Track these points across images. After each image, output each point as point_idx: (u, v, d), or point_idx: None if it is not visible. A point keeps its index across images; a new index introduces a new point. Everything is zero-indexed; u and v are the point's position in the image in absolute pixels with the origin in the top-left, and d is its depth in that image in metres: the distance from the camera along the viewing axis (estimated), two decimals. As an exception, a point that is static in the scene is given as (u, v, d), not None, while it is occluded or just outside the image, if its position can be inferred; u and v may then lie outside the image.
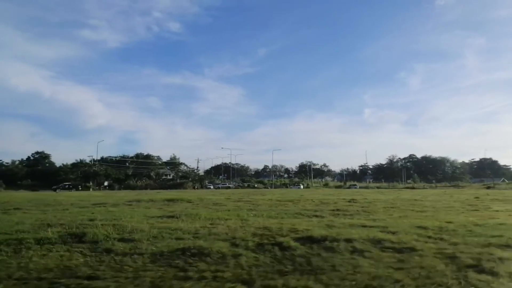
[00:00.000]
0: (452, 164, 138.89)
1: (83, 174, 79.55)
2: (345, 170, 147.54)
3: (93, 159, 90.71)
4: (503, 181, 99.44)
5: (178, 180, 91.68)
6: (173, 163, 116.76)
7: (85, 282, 4.61)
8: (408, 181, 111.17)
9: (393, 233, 8.25)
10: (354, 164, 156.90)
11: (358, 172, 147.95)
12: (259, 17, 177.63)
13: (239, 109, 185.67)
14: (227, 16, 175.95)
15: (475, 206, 18.66)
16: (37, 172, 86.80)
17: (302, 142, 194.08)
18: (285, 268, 5.36)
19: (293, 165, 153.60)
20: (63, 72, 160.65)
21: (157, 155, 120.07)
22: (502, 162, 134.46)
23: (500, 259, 5.82)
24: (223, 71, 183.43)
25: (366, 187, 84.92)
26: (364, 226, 9.53)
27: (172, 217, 12.43)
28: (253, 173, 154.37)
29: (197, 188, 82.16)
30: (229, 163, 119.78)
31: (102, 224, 9.39)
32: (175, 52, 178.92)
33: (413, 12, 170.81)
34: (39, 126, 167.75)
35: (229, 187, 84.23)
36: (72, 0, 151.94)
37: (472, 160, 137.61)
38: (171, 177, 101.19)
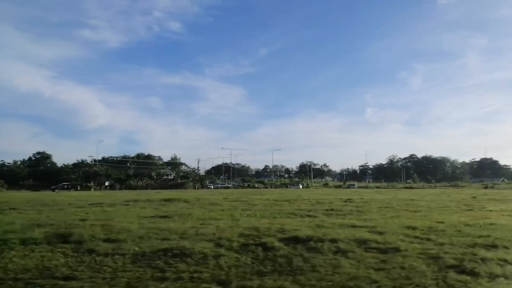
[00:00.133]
0: (452, 164, 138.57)
1: (84, 174, 79.68)
2: (345, 170, 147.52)
3: (94, 160, 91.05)
4: (503, 181, 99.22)
5: (179, 180, 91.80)
6: (174, 163, 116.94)
7: (61, 282, 4.61)
8: (408, 181, 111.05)
9: (381, 233, 8.22)
10: (355, 164, 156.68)
11: (358, 172, 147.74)
12: (259, 17, 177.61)
13: (240, 109, 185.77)
14: (228, 16, 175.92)
15: (470, 206, 18.61)
16: (39, 172, 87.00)
17: (303, 142, 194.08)
18: (264, 268, 5.34)
19: (294, 165, 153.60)
20: (64, 72, 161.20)
21: (158, 155, 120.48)
22: (502, 162, 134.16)
23: (483, 259, 5.79)
24: (223, 71, 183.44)
25: (366, 187, 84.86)
26: (354, 226, 9.50)
27: (165, 217, 12.45)
28: (253, 173, 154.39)
29: (197, 188, 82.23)
30: (230, 163, 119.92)
31: (91, 224, 9.39)
32: (175, 52, 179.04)
33: (415, 12, 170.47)
34: (40, 126, 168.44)
35: (228, 187, 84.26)
36: (72, 0, 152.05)
37: (473, 160, 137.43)
38: (172, 177, 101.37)
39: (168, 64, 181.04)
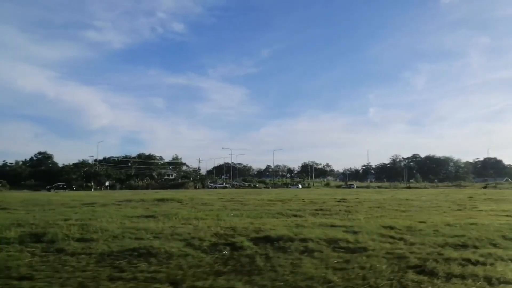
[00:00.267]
0: (456, 163, 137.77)
1: (84, 175, 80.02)
2: (348, 170, 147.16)
3: (96, 160, 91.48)
4: (507, 180, 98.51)
5: (179, 180, 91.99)
6: (175, 163, 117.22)
7: (14, 282, 4.64)
8: (410, 180, 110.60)
9: (355, 233, 8.20)
10: (358, 164, 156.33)
11: (360, 172, 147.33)
12: (262, 17, 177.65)
13: (243, 109, 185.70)
14: (231, 16, 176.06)
15: (462, 205, 18.53)
16: (40, 173, 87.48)
17: (306, 142, 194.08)
18: (224, 268, 5.35)
19: (297, 165, 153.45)
20: (68, 72, 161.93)
21: (161, 155, 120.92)
22: (506, 161, 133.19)
23: (447, 259, 5.76)
24: (226, 71, 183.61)
25: (367, 187, 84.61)
26: (333, 226, 9.49)
27: (151, 217, 12.49)
28: (255, 173, 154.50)
29: (198, 188, 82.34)
30: (232, 163, 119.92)
31: (71, 224, 9.45)
32: (179, 53, 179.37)
33: (418, 12, 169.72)
34: (43, 127, 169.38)
35: (226, 187, 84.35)
36: (77, 1, 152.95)
37: (476, 160, 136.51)
38: (173, 177, 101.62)
39: (171, 65, 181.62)
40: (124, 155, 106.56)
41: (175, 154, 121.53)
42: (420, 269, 5.26)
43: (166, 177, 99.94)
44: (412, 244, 7.03)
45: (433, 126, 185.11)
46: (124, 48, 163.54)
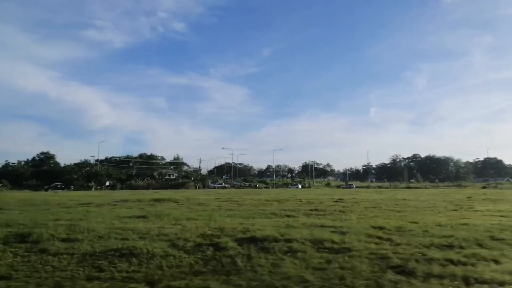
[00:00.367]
0: (456, 163, 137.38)
1: (85, 175, 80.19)
2: (348, 170, 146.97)
3: (97, 160, 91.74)
4: (507, 180, 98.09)
5: (180, 180, 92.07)
6: (176, 163, 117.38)
7: (-9, 282, 4.64)
8: (411, 180, 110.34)
9: (343, 233, 8.18)
10: (358, 164, 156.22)
11: (361, 171, 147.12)
12: (263, 17, 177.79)
13: (244, 109, 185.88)
14: (231, 16, 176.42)
15: (459, 206, 18.45)
16: (42, 173, 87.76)
17: (307, 141, 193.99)
18: (204, 268, 5.34)
19: (297, 164, 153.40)
20: (69, 72, 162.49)
21: (162, 155, 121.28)
22: (507, 161, 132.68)
23: (429, 259, 5.75)
24: (227, 71, 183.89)
25: (367, 187, 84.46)
26: (322, 226, 9.46)
27: (142, 217, 12.48)
28: (256, 173, 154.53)
29: (199, 188, 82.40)
30: (232, 163, 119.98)
31: (59, 224, 9.47)
32: (180, 52, 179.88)
33: (419, 11, 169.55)
34: (46, 127, 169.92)
35: (225, 187, 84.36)
36: (77, 1, 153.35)
37: (477, 160, 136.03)
38: (174, 177, 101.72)
39: (172, 65, 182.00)
40: (125, 155, 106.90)
41: (176, 154, 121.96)
42: (400, 269, 5.24)
43: (167, 177, 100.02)
44: (398, 244, 7.00)
45: (433, 126, 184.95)
46: (125, 47, 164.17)
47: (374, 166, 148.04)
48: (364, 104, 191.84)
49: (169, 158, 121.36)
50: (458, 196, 29.92)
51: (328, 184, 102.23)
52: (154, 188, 74.29)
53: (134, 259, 5.79)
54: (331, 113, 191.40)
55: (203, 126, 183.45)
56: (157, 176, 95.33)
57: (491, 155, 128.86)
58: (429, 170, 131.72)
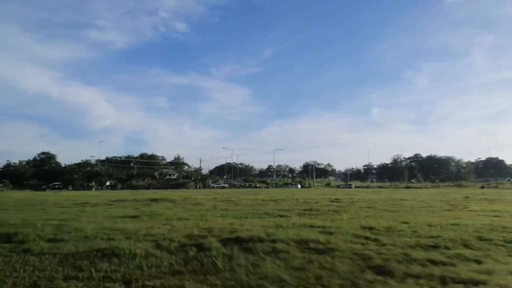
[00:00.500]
0: (457, 163, 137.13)
1: (85, 174, 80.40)
2: (349, 170, 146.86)
3: (98, 160, 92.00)
4: (508, 180, 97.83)
5: (181, 180, 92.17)
6: (176, 163, 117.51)
7: (-33, 282, 4.66)
8: (412, 180, 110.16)
9: (331, 233, 8.16)
10: (360, 164, 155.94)
11: (362, 171, 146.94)
12: (265, 17, 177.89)
13: (246, 109, 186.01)
14: (233, 16, 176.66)
15: (454, 206, 18.43)
16: (43, 172, 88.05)
17: (309, 142, 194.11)
18: (183, 269, 5.33)
19: (298, 164, 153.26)
20: (72, 73, 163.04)
21: (164, 155, 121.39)
22: (508, 161, 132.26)
23: (411, 260, 5.73)
24: (229, 71, 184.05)
25: (367, 187, 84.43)
26: (312, 226, 9.44)
27: (135, 217, 12.53)
28: (257, 173, 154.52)
29: (199, 188, 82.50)
30: (233, 163, 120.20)
31: (49, 224, 9.48)
32: (181, 52, 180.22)
33: (421, 11, 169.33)
34: (48, 127, 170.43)
35: (224, 187, 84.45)
36: (79, 1, 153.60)
37: (478, 160, 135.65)
38: (175, 177, 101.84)
39: (174, 65, 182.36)
40: (126, 155, 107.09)
41: (177, 154, 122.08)
42: (380, 270, 5.23)
43: (167, 177, 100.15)
44: (383, 245, 6.97)
45: (435, 126, 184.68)
46: (127, 47, 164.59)
47: (375, 166, 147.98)
48: (366, 104, 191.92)
49: (170, 158, 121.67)
50: (455, 196, 29.87)
51: (328, 184, 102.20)
52: (154, 188, 74.39)
53: (115, 259, 5.79)
54: (332, 113, 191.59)
55: (204, 126, 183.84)
56: (157, 176, 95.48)
57: (493, 155, 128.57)
58: (430, 170, 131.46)
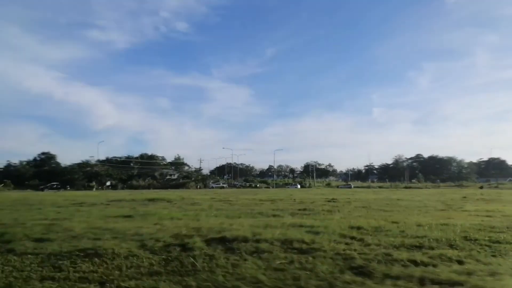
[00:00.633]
0: (459, 164, 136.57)
1: (85, 175, 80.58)
2: (350, 170, 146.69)
3: (99, 160, 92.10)
4: (509, 180, 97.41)
5: (181, 180, 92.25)
6: (177, 163, 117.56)
7: None
8: (413, 180, 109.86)
9: (317, 233, 8.16)
10: (362, 164, 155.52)
11: (363, 172, 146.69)
12: (267, 17, 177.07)
13: (247, 109, 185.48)
14: (235, 16, 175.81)
15: (450, 206, 18.38)
16: (44, 173, 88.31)
17: (310, 142, 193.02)
18: (162, 269, 5.32)
19: (300, 165, 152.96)
20: (74, 73, 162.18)
21: (166, 155, 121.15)
22: (510, 161, 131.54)
23: (393, 260, 5.70)
24: (231, 71, 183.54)
25: (368, 187, 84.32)
26: (301, 226, 9.43)
27: (128, 216, 12.57)
28: (258, 173, 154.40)
29: (200, 188, 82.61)
30: (234, 163, 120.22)
31: (38, 224, 9.51)
32: (183, 53, 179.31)
33: (423, 10, 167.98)
34: (50, 127, 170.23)
35: (223, 187, 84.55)
36: (81, 1, 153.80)
37: (480, 160, 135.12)
38: (175, 177, 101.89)
39: (176, 65, 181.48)
40: (126, 155, 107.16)
41: (177, 154, 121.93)
42: (359, 270, 5.21)
43: (168, 177, 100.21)
44: (367, 245, 6.96)
45: (437, 126, 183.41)
46: (129, 48, 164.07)
47: (376, 167, 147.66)
48: (367, 104, 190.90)
49: (172, 158, 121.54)
50: (453, 196, 29.77)
51: (328, 184, 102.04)
52: (155, 188, 74.51)
53: (96, 260, 5.80)
54: (334, 113, 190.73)
55: (206, 126, 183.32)
56: (158, 176, 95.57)
57: (496, 156, 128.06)
58: (432, 170, 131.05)
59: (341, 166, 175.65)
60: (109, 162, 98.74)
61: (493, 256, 6.09)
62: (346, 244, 7.07)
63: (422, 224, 10.00)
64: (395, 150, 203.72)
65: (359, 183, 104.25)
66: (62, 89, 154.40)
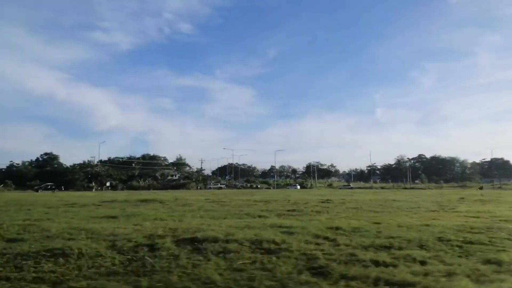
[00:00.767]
0: (462, 164, 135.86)
1: (86, 175, 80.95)
2: (353, 170, 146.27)
3: (100, 160, 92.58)
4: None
5: (181, 181, 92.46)
6: (178, 164, 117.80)
7: None
8: (415, 181, 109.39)
9: (291, 233, 8.14)
10: (364, 164, 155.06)
11: (366, 172, 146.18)
12: (269, 17, 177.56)
13: (250, 110, 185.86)
14: (238, 17, 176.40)
15: (442, 207, 18.24)
16: (45, 173, 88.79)
17: (312, 142, 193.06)
18: (122, 270, 5.30)
19: (302, 165, 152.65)
20: (77, 74, 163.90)
21: (168, 156, 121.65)
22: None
23: (356, 260, 5.67)
24: (234, 72, 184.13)
25: (370, 187, 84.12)
26: (280, 227, 9.38)
27: (113, 217, 12.55)
28: (260, 173, 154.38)
29: (200, 189, 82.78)
30: (235, 163, 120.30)
31: (16, 224, 9.56)
32: (186, 54, 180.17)
33: (425, 10, 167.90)
34: (53, 128, 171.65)
35: (221, 188, 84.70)
36: (84, 2, 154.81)
37: (483, 160, 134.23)
38: (176, 177, 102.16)
39: (179, 66, 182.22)
40: (128, 156, 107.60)
41: (179, 155, 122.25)
42: (318, 271, 5.18)
43: (169, 177, 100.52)
44: (337, 245, 6.92)
45: (440, 126, 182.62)
46: (132, 49, 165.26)
47: (379, 167, 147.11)
48: (370, 104, 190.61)
49: (174, 159, 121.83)
50: (451, 197, 29.60)
51: (330, 185, 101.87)
52: (155, 189, 74.68)
53: (61, 259, 5.80)
54: (336, 113, 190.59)
55: (209, 127, 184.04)
56: (159, 177, 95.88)
57: (499, 155, 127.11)
58: (434, 170, 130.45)
59: (343, 166, 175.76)
60: (111, 162, 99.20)
61: (459, 257, 6.03)
62: (317, 244, 7.03)
63: (404, 225, 9.95)
64: (398, 150, 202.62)
65: (361, 184, 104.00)
66: (66, 90, 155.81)
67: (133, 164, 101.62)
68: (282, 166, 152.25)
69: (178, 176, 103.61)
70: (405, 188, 73.33)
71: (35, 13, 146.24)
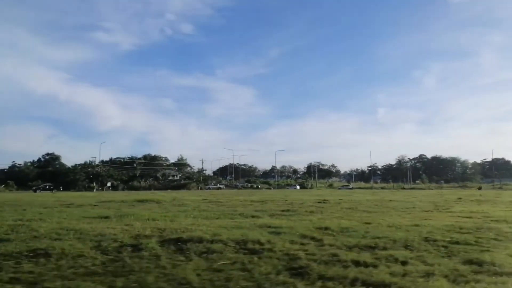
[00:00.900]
0: (463, 164, 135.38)
1: (87, 175, 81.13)
2: (354, 170, 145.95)
3: (102, 160, 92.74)
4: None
5: (182, 181, 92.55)
6: (179, 164, 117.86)
7: None
8: (416, 181, 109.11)
9: (278, 233, 8.14)
10: (365, 165, 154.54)
11: (367, 172, 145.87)
12: (271, 17, 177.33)
13: (252, 110, 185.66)
14: (240, 17, 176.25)
15: (437, 207, 18.23)
16: (47, 173, 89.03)
17: (314, 142, 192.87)
18: (101, 270, 5.30)
19: (303, 165, 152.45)
20: (79, 74, 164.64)
21: (169, 156, 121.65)
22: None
23: (337, 261, 5.65)
24: (235, 72, 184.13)
25: (371, 188, 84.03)
26: (269, 227, 9.39)
27: (106, 217, 12.56)
28: (261, 173, 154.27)
29: (201, 189, 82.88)
30: (237, 163, 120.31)
31: (7, 224, 9.57)
32: (188, 54, 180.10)
33: (428, 10, 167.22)
34: (55, 128, 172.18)
35: (220, 188, 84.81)
36: (87, 3, 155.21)
37: (484, 160, 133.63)
38: (177, 178, 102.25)
39: (181, 66, 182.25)
40: (130, 156, 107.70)
41: (180, 155, 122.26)
42: (298, 271, 5.16)
43: (170, 178, 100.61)
44: (322, 245, 6.91)
45: (443, 126, 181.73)
46: (134, 49, 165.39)
47: (380, 167, 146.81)
48: (372, 104, 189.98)
49: (176, 159, 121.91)
50: (449, 197, 29.54)
51: (330, 185, 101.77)
52: (155, 189, 74.73)
53: (43, 260, 5.81)
54: (339, 113, 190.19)
55: (210, 127, 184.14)
56: (160, 177, 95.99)
57: (500, 156, 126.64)
58: (435, 171, 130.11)
59: (344, 166, 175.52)
60: (113, 163, 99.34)
61: (442, 257, 6.00)
62: (302, 244, 7.03)
63: (394, 225, 9.93)
64: (399, 151, 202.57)
65: (362, 184, 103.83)
66: (68, 90, 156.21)
67: (135, 165, 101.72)
68: (283, 166, 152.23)
69: (179, 177, 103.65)
70: (404, 188, 73.10)
71: (38, 14, 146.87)
